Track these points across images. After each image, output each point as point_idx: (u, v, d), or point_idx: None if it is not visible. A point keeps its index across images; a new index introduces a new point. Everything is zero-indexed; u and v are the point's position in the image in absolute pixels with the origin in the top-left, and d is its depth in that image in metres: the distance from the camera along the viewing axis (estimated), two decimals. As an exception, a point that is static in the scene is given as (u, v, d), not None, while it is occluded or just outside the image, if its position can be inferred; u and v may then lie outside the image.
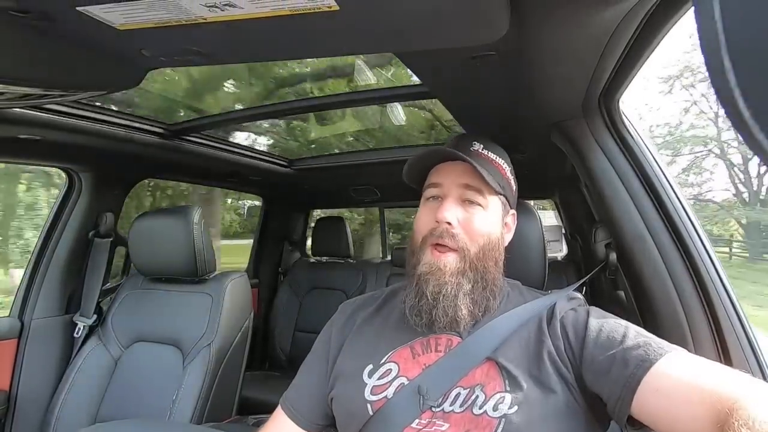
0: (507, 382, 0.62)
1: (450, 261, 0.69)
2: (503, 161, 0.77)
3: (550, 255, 0.93)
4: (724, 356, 0.73)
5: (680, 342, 0.68)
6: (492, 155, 0.75)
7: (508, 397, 0.61)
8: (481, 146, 0.75)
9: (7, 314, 1.43)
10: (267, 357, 2.43)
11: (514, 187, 0.80)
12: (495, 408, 0.60)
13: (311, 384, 0.76)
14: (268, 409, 0.81)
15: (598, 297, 1.53)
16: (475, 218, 0.70)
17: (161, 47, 0.67)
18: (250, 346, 1.46)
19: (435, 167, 0.76)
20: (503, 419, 0.59)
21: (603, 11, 0.59)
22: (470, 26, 0.59)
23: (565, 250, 2.55)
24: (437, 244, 0.69)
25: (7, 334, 1.36)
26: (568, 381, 0.62)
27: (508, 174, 0.78)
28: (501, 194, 0.74)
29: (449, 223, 0.69)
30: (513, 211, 0.80)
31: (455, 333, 0.69)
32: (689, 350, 0.60)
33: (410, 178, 0.79)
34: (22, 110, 1.03)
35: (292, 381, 0.79)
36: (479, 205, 0.71)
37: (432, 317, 0.67)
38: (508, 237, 0.79)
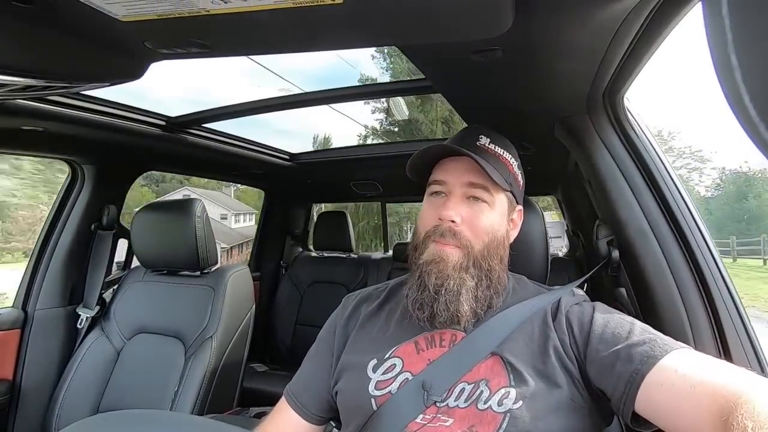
0: (512, 376, 0.62)
1: (454, 253, 0.68)
2: (510, 156, 0.75)
3: (551, 252, 0.93)
4: (725, 353, 0.73)
5: (681, 338, 0.68)
6: (499, 150, 0.73)
7: (513, 392, 0.61)
8: (488, 140, 0.73)
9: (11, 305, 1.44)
10: (268, 350, 2.44)
11: (521, 182, 0.78)
12: (500, 403, 0.60)
13: (315, 376, 0.77)
14: (269, 401, 0.82)
15: (599, 294, 1.53)
16: (479, 216, 0.69)
17: (164, 39, 0.67)
18: (251, 338, 1.47)
19: (439, 162, 0.74)
20: (508, 414, 0.59)
21: (608, 7, 0.59)
22: (474, 21, 0.59)
23: (566, 247, 2.55)
24: (439, 242, 0.69)
25: (10, 325, 1.37)
26: (573, 375, 0.62)
27: (515, 169, 0.76)
28: (508, 190, 0.73)
29: (453, 221, 0.68)
30: (519, 207, 0.78)
31: (459, 327, 0.69)
32: (689, 346, 0.60)
33: (413, 173, 0.77)
34: (26, 101, 1.03)
35: (297, 373, 0.80)
36: (485, 202, 0.70)
37: (433, 311, 0.66)
38: (514, 233, 0.78)
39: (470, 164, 0.70)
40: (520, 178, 0.77)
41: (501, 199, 0.72)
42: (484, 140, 0.73)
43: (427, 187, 0.76)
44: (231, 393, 1.40)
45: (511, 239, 0.77)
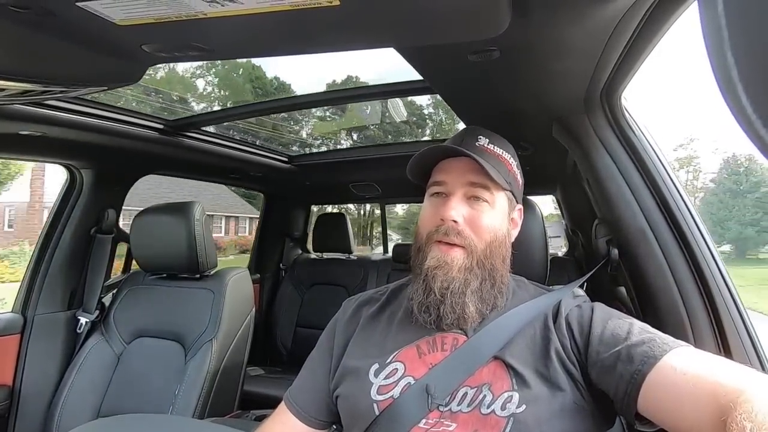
0: (514, 380, 0.62)
1: (457, 256, 0.68)
2: (509, 155, 0.75)
3: (551, 251, 0.93)
4: (725, 350, 0.73)
5: (681, 336, 0.68)
6: (498, 150, 0.74)
7: (516, 395, 0.60)
8: (487, 140, 0.73)
9: (10, 310, 1.44)
10: (268, 352, 2.44)
11: (521, 182, 0.79)
12: (503, 407, 0.60)
13: (315, 380, 0.76)
14: (270, 404, 0.82)
15: (599, 293, 1.53)
16: (481, 215, 0.69)
17: (161, 43, 0.67)
18: (251, 341, 1.46)
19: (439, 163, 0.74)
20: (511, 418, 0.59)
21: (605, 6, 0.59)
22: (471, 21, 0.59)
23: (566, 246, 2.55)
24: (442, 241, 0.69)
25: (9, 330, 1.36)
26: (575, 378, 0.62)
27: (515, 168, 0.76)
28: (507, 190, 0.73)
29: (455, 221, 0.68)
30: (519, 206, 0.79)
31: (461, 331, 0.69)
32: (689, 344, 0.60)
33: (414, 174, 0.77)
34: (24, 106, 1.03)
35: (297, 377, 0.79)
36: (485, 201, 0.70)
37: (439, 313, 0.66)
38: (515, 233, 0.78)
39: (470, 164, 0.69)
40: (519, 177, 0.78)
41: (501, 199, 0.72)
42: (483, 140, 0.73)
43: (427, 189, 0.75)
44: (232, 396, 1.39)
45: (512, 238, 0.77)
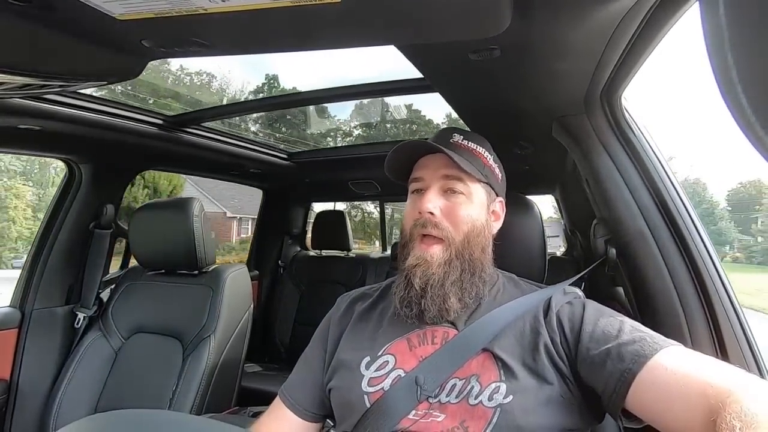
0: (502, 371, 0.63)
1: (436, 252, 0.70)
2: (484, 150, 0.78)
3: (550, 251, 0.93)
4: (721, 351, 0.73)
5: (678, 337, 0.69)
6: (472, 145, 0.76)
7: (503, 386, 0.61)
8: (461, 137, 0.77)
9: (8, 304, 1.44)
10: (267, 349, 2.44)
11: (500, 175, 0.81)
12: (490, 398, 0.61)
13: (309, 375, 0.77)
14: (267, 401, 0.82)
15: (596, 293, 1.53)
16: (458, 207, 0.72)
17: (161, 38, 0.67)
18: (249, 338, 1.47)
19: (417, 162, 0.77)
20: (499, 408, 0.60)
21: (606, 6, 0.59)
22: (472, 20, 0.59)
23: (564, 246, 2.55)
24: (423, 235, 0.71)
25: (7, 324, 1.36)
26: (563, 373, 0.63)
27: (491, 162, 0.78)
28: (484, 182, 0.75)
29: (432, 213, 0.70)
30: (500, 199, 0.81)
31: (451, 325, 0.70)
32: (686, 346, 0.60)
33: (393, 173, 0.80)
34: (22, 100, 1.02)
35: (291, 372, 0.80)
36: (461, 193, 0.73)
37: (421, 307, 0.68)
38: (497, 225, 0.80)
39: (445, 159, 0.72)
40: (497, 171, 0.80)
41: (478, 191, 0.74)
42: (457, 137, 0.77)
43: (408, 186, 0.78)
44: (229, 392, 1.39)
45: (494, 231, 0.79)
